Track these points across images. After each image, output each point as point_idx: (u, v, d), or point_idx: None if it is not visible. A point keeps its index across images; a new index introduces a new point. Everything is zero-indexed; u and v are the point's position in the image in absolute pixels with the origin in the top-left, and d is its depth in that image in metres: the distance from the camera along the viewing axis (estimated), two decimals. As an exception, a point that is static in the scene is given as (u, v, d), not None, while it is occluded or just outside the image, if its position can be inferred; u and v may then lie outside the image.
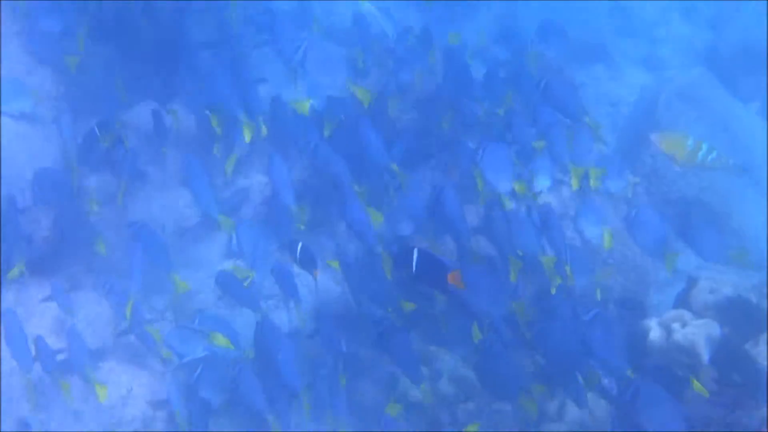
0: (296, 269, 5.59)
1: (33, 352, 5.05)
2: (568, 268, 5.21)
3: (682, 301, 5.31)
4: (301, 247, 5.49)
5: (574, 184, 5.43)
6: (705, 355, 4.87)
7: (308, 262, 5.50)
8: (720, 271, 5.46)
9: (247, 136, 5.65)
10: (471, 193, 5.87)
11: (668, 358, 4.92)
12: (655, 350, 5.02)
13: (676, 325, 5.03)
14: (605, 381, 5.01)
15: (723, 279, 5.21)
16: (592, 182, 5.45)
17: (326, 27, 8.15)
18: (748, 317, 4.94)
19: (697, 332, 4.93)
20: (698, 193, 7.31)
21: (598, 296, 5.30)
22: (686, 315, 5.10)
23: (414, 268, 4.93)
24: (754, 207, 7.67)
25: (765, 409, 4.57)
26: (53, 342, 5.22)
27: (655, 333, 5.07)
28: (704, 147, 5.57)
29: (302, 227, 5.62)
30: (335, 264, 5.47)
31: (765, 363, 4.74)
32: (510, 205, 5.33)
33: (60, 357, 5.16)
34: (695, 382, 4.62)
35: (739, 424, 4.59)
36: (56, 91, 5.81)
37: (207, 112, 5.72)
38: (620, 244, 6.17)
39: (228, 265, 6.06)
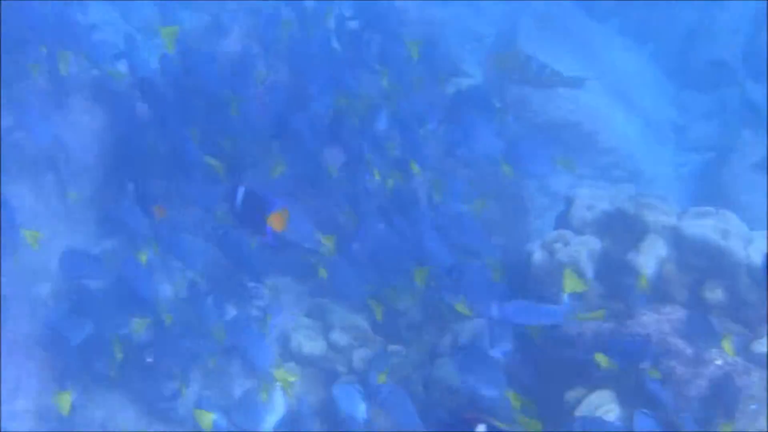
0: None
1: None
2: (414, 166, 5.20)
3: (562, 222, 5.33)
4: (136, 186, 5.16)
5: None
6: (589, 271, 4.90)
7: (145, 200, 5.13)
8: (596, 186, 5.49)
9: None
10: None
11: (554, 278, 4.93)
12: (540, 273, 5.02)
13: (558, 246, 5.04)
14: None
15: (599, 194, 5.24)
16: None
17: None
18: (627, 228, 4.98)
19: (579, 249, 4.96)
20: (566, 114, 7.38)
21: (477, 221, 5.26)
22: (567, 234, 5.11)
23: (238, 206, 4.74)
24: (623, 123, 7.83)
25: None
26: None
27: (538, 256, 5.07)
28: (533, 63, 5.86)
29: None
30: None
31: (646, 271, 4.80)
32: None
33: None
34: (571, 277, 4.59)
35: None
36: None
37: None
38: (496, 174, 6.16)
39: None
